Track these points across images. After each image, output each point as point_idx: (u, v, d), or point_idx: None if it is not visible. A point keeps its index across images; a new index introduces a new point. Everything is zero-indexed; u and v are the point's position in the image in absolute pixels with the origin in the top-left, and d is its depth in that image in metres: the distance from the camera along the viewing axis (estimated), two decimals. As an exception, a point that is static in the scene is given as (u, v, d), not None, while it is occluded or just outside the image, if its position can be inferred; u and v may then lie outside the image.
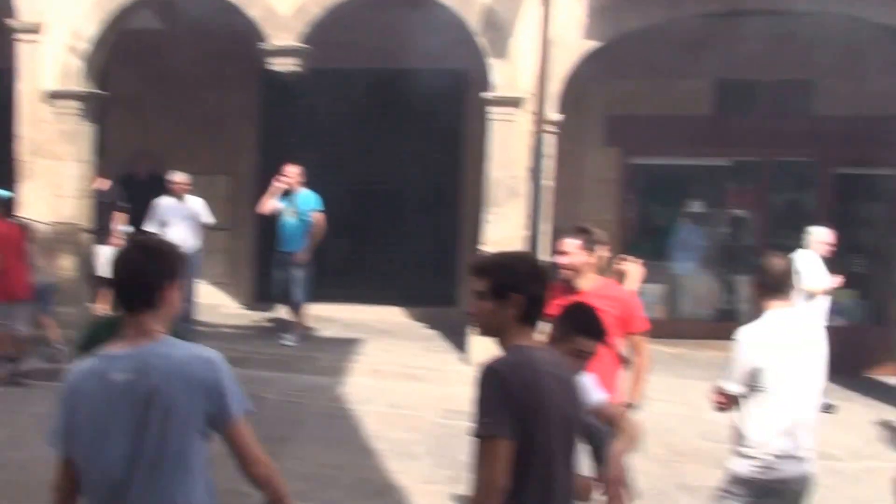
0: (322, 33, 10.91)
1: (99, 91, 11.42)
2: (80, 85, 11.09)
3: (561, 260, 5.62)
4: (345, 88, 12.39)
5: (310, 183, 11.21)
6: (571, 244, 5.56)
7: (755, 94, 12.63)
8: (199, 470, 3.05)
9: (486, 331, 3.34)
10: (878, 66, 10.99)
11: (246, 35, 10.99)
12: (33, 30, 11.03)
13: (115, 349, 3.04)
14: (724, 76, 12.48)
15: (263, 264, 12.61)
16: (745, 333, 4.75)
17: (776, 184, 12.95)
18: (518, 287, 3.26)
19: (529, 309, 3.26)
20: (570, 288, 5.46)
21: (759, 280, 4.86)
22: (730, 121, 12.52)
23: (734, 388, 4.72)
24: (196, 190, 11.66)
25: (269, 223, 11.58)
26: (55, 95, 11.07)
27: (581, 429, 3.43)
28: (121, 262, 3.13)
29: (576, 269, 5.50)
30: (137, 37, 11.90)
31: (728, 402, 4.77)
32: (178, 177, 11.41)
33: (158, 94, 12.53)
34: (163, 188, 12.55)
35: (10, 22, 11.06)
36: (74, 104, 11.13)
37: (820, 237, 9.79)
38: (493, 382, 3.09)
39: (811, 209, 12.40)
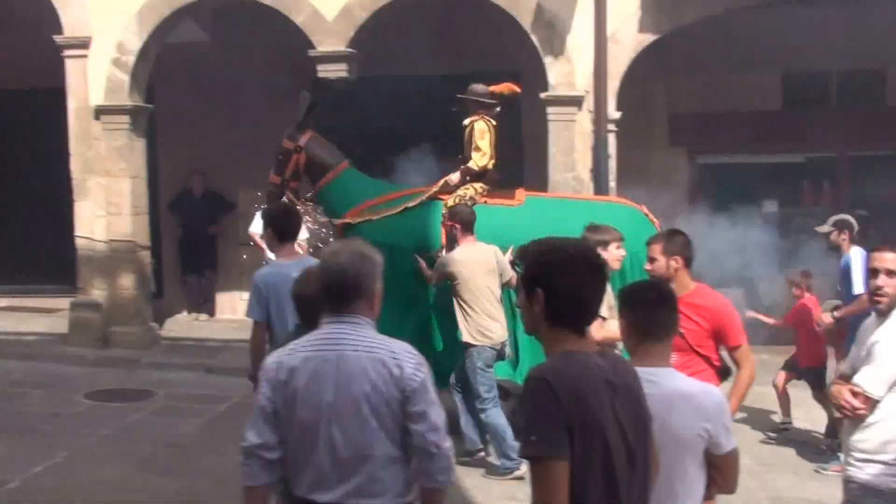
0: (371, 39, 10.65)
1: (145, 105, 11.28)
2: (126, 99, 10.96)
3: (645, 266, 5.20)
4: (395, 95, 12.08)
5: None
6: (656, 249, 5.10)
7: (826, 86, 12.05)
8: None
9: (528, 330, 2.94)
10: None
11: (294, 42, 10.76)
12: (80, 45, 10.94)
13: None
14: (792, 68, 11.93)
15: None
16: None
17: (855, 179, 12.30)
18: (541, 280, 2.80)
19: (557, 307, 2.78)
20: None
21: None
22: (800, 115, 11.96)
23: (879, 391, 4.14)
24: (249, 203, 11.43)
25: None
26: (103, 111, 10.96)
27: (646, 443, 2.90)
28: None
29: (661, 276, 4.99)
30: (184, 49, 11.73)
31: (867, 406, 4.17)
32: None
33: (207, 106, 12.33)
34: (217, 204, 12.39)
35: (58, 38, 10.97)
36: (123, 119, 11.00)
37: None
38: (540, 392, 2.65)
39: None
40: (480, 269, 7.27)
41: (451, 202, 7.99)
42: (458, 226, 7.37)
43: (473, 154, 8.06)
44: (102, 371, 9.72)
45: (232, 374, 10.06)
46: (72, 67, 11.01)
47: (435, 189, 8.26)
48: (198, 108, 12.28)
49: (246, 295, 12.83)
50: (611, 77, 10.08)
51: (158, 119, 12.09)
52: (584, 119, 10.28)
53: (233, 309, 12.88)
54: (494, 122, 8.17)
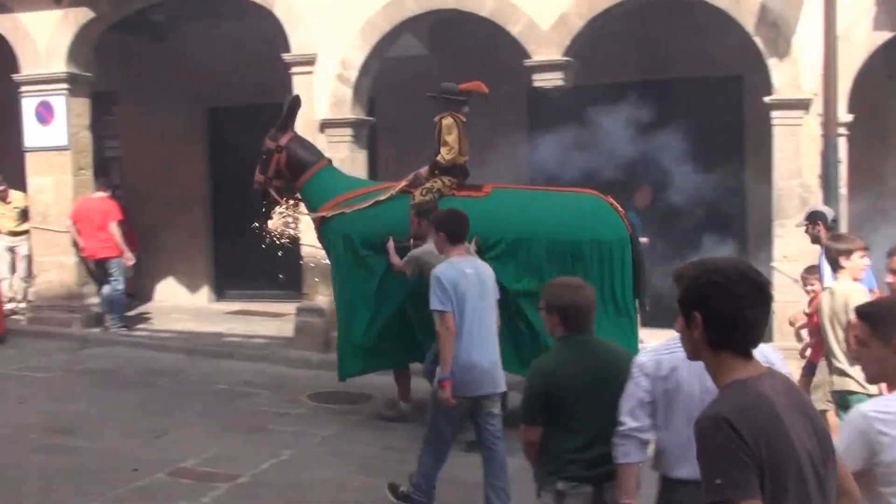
0: (587, 47, 10.57)
1: (367, 117, 11.64)
2: (349, 113, 11.34)
3: (889, 279, 4.91)
4: (612, 103, 11.92)
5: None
6: None
7: None
8: None
9: (689, 355, 2.77)
10: None
11: (511, 53, 10.83)
12: (306, 62, 11.41)
13: None
14: None
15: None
16: None
17: None
18: (698, 303, 2.64)
19: (719, 331, 2.62)
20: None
21: None
22: None
23: None
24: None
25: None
26: (328, 124, 11.38)
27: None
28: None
29: None
30: (403, 63, 12.04)
31: None
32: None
33: (425, 118, 12.56)
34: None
35: (286, 56, 11.50)
36: (346, 132, 11.38)
37: None
38: (721, 434, 2.45)
39: None
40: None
41: (419, 195, 8.44)
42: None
43: (441, 149, 8.51)
44: (325, 374, 10.02)
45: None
46: (299, 83, 11.49)
47: (405, 183, 8.72)
48: (416, 119, 12.53)
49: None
50: (841, 78, 9.57)
51: (378, 131, 12.45)
52: (811, 123, 9.81)
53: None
54: (463, 119, 8.62)
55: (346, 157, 11.37)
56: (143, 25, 13.82)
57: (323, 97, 11.43)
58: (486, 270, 6.46)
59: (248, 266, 13.73)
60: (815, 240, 7.80)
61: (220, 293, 14.85)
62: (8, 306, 13.37)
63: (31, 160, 12.96)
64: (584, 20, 10.40)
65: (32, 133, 12.84)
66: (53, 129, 12.76)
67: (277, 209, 9.53)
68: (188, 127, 14.52)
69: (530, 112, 12.88)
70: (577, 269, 7.69)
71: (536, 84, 10.72)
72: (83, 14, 12.50)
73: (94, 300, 13.04)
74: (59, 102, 12.70)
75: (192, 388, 10.01)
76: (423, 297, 6.77)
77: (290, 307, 12.31)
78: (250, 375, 10.53)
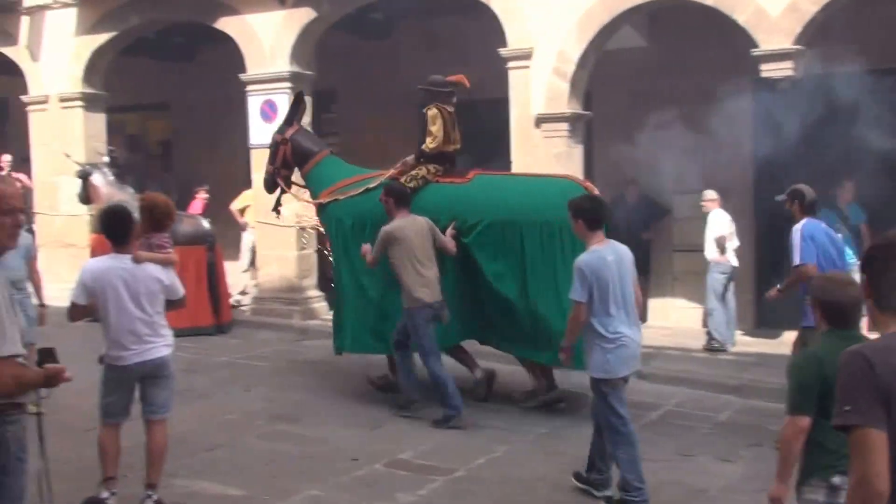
0: (819, 35, 9.98)
1: (583, 112, 11.43)
2: (566, 107, 11.16)
3: None
4: (847, 93, 11.21)
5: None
6: None
7: None
8: None
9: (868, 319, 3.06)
10: None
11: (735, 42, 10.36)
12: (523, 56, 11.32)
13: None
14: None
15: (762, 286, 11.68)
16: None
17: None
18: (864, 268, 3.00)
19: (879, 293, 2.92)
20: None
21: None
22: None
23: None
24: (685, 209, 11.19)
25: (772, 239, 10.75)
26: (544, 119, 11.25)
27: None
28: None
29: None
30: (621, 55, 11.75)
31: None
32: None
33: (642, 111, 12.24)
34: (651, 209, 12.25)
35: (502, 51, 11.44)
36: (562, 126, 11.22)
37: None
38: (857, 366, 2.73)
39: None
40: (414, 235, 8.26)
41: (404, 181, 8.97)
42: (391, 199, 8.41)
43: (426, 138, 9.06)
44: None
45: (665, 382, 9.89)
46: (515, 78, 11.43)
47: (393, 171, 9.28)
48: (633, 113, 12.24)
49: (678, 301, 12.61)
50: None
51: (594, 125, 12.21)
52: None
53: (665, 315, 12.66)
54: (450, 109, 9.12)
55: (563, 153, 11.22)
56: (363, 24, 14.13)
57: (539, 92, 11.31)
58: (626, 254, 6.56)
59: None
60: (793, 216, 8.16)
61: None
62: (242, 298, 14.13)
63: (255, 157, 13.47)
64: (817, 6, 9.82)
65: (257, 130, 13.34)
66: (276, 127, 13.18)
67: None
68: (406, 124, 14.72)
69: (756, 104, 12.29)
70: (550, 248, 8.45)
71: (765, 74, 10.21)
72: (306, 14, 12.89)
73: (313, 293, 13.44)
74: (283, 101, 13.12)
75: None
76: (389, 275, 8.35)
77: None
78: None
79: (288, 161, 10.02)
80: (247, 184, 14.00)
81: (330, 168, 9.83)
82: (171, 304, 6.26)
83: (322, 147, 10.13)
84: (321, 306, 13.46)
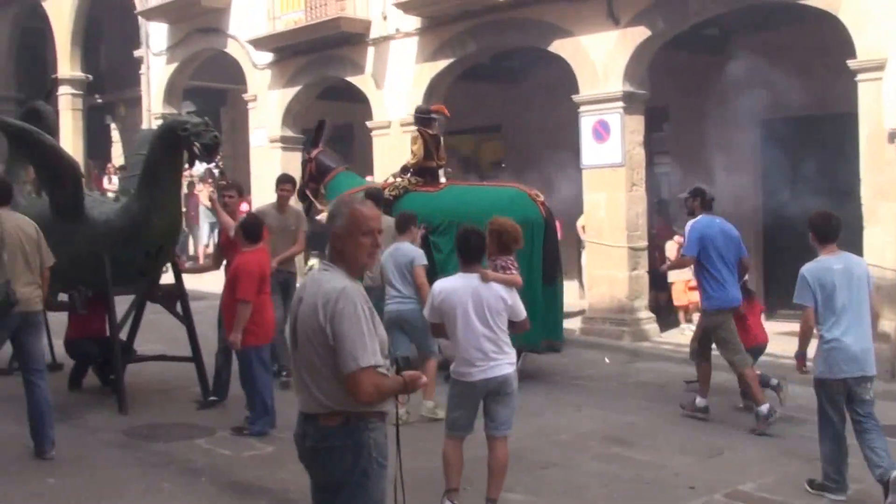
0: None
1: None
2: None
3: None
4: None
5: None
6: None
7: None
8: None
9: None
10: None
11: None
12: (875, 68, 10.60)
13: None
14: None
15: None
16: None
17: None
18: None
19: None
20: None
21: None
22: None
23: None
24: None
25: None
26: (906, 133, 10.44)
27: None
28: None
29: None
30: None
31: None
32: None
33: None
34: None
35: (851, 63, 10.77)
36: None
37: None
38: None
39: None
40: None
41: (387, 191, 10.98)
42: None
43: (409, 156, 11.51)
44: (889, 404, 9.16)
45: None
46: (865, 91, 10.71)
47: (383, 182, 11.67)
48: None
49: None
50: None
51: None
52: None
53: None
54: (431, 132, 11.42)
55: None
56: (696, 40, 13.84)
57: (893, 105, 10.50)
58: (857, 265, 7.07)
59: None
60: (690, 213, 9.40)
61: (771, 312, 14.31)
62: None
63: (587, 177, 13.54)
64: None
65: (589, 151, 13.41)
66: (608, 147, 13.22)
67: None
68: (739, 140, 14.23)
69: None
70: None
71: None
72: (640, 33, 12.80)
73: (644, 314, 13.28)
74: (615, 120, 13.12)
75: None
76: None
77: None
78: (806, 400, 9.92)
79: (314, 175, 12.05)
80: (576, 205, 14.07)
81: (343, 181, 11.71)
82: (513, 326, 6.38)
83: (339, 164, 12.22)
84: (652, 328, 13.28)
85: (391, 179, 11.50)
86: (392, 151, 16.07)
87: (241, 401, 8.79)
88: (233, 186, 10.68)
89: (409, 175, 11.34)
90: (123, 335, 9.86)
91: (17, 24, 26.70)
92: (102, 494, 6.90)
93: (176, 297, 9.83)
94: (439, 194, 11.14)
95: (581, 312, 14.45)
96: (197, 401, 9.53)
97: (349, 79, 17.12)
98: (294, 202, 11.45)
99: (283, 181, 10.84)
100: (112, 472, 7.39)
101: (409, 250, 9.01)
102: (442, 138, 11.70)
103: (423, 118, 11.57)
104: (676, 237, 12.99)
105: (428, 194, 11.09)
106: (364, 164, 17.33)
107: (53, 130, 10.36)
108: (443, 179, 11.71)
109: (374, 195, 9.87)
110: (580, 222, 14.67)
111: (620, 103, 13.07)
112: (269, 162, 18.29)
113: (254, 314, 8.29)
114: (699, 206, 9.27)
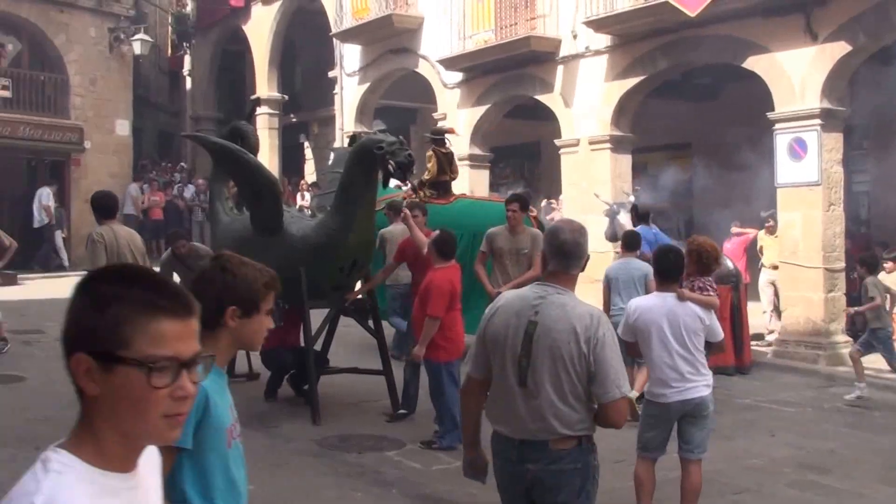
0: None
1: None
2: None
3: None
4: None
5: None
6: None
7: None
8: None
9: None
10: None
11: None
12: None
13: None
14: None
15: None
16: None
17: None
18: None
19: None
20: None
21: None
22: None
23: None
24: None
25: None
26: None
27: None
28: None
29: None
30: None
31: None
32: None
33: None
34: None
35: None
36: None
37: None
38: None
39: None
40: (399, 235, 11.12)
41: (405, 202, 11.71)
42: (391, 213, 11.63)
43: (425, 172, 12.84)
44: None
45: None
46: None
47: (401, 194, 12.73)
48: None
49: None
50: None
51: None
52: None
53: None
54: (444, 151, 12.72)
55: None
56: (899, 53, 13.27)
57: None
58: None
59: None
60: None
61: None
62: (769, 338, 13.91)
63: (781, 195, 13.21)
64: None
65: (784, 169, 13.08)
66: (805, 165, 12.85)
67: None
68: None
69: None
70: (474, 248, 11.25)
71: None
72: (839, 48, 12.41)
73: (840, 338, 12.82)
74: (812, 138, 12.75)
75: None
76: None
77: None
78: None
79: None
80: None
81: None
82: (710, 347, 6.33)
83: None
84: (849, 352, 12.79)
85: (408, 192, 12.77)
86: (580, 168, 16.12)
87: (429, 414, 8.96)
88: (418, 206, 10.98)
89: (425, 188, 12.63)
90: (317, 347, 10.20)
91: (218, 47, 28.27)
92: (299, 500, 7.21)
93: (367, 311, 10.14)
94: (450, 206, 12.43)
95: (762, 335, 14.10)
96: (386, 413, 9.70)
97: (538, 97, 17.26)
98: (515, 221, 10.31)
99: (510, 200, 10.42)
100: (307, 480, 7.63)
101: (642, 265, 9.33)
102: (454, 155, 13.26)
103: (436, 139, 12.82)
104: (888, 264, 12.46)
105: (440, 206, 12.19)
106: (551, 182, 17.46)
107: (255, 149, 10.71)
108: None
109: (395, 208, 11.25)
110: (761, 242, 14.35)
111: (818, 120, 12.69)
112: (457, 180, 18.60)
113: (445, 330, 8.46)
114: (633, 217, 10.10)
